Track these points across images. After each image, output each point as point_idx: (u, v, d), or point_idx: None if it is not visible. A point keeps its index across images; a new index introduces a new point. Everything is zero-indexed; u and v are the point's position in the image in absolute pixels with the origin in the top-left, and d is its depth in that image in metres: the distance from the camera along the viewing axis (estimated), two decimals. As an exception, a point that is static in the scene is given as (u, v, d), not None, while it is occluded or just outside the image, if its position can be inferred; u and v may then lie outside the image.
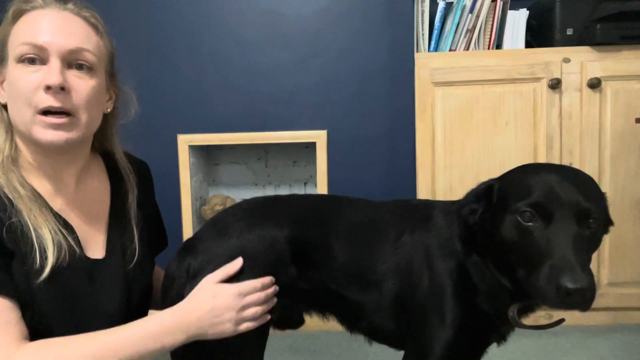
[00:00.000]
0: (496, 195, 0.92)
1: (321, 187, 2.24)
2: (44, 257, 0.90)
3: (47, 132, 0.91)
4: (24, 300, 0.89)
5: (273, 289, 1.03)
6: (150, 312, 1.17)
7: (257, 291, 1.00)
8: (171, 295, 1.05)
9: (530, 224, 0.83)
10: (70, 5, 0.96)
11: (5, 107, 0.96)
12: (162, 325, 0.93)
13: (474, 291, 0.95)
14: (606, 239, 2.08)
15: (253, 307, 0.99)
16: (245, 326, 0.99)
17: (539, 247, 0.81)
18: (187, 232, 2.25)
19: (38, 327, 0.91)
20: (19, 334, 0.87)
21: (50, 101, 0.90)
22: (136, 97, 1.12)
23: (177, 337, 0.94)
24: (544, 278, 0.78)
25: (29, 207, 0.91)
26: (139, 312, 1.10)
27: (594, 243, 0.86)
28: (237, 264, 1.00)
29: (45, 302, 0.91)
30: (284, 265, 1.06)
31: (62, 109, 0.91)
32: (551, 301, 0.78)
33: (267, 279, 1.02)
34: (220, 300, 0.96)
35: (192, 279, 1.02)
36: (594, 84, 2.05)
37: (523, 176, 0.89)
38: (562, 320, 0.97)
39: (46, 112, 0.91)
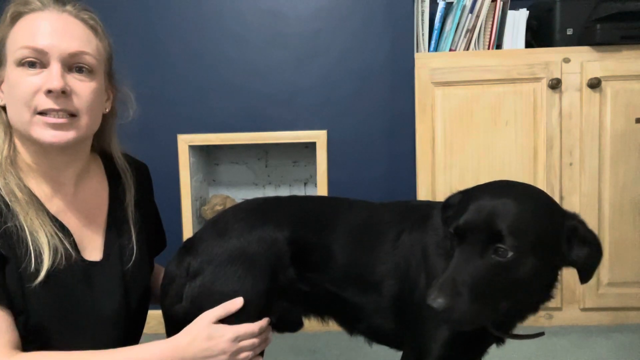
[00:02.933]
0: (456, 208, 0.93)
1: (321, 187, 2.24)
2: (39, 261, 0.90)
3: (47, 132, 0.91)
4: (17, 306, 0.89)
5: (269, 331, 1.03)
6: (150, 312, 1.17)
7: (253, 336, 0.99)
8: (170, 294, 1.05)
9: (453, 242, 0.87)
10: (69, 7, 0.95)
11: (3, 108, 0.96)
12: (155, 357, 0.93)
13: None
14: (606, 239, 2.09)
15: (246, 352, 0.99)
16: None
17: (448, 264, 0.86)
18: (187, 232, 2.25)
19: (34, 331, 0.91)
20: (9, 342, 0.87)
21: (50, 104, 0.90)
22: (134, 97, 1.12)
23: None
24: (428, 290, 0.83)
25: (25, 210, 0.91)
26: (138, 313, 1.10)
27: (515, 276, 0.82)
28: (237, 303, 0.99)
29: (40, 306, 0.91)
30: (284, 267, 1.06)
31: (63, 110, 0.91)
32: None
33: (265, 322, 1.02)
34: (215, 342, 0.95)
35: (192, 279, 1.02)
36: (594, 84, 2.05)
37: (471, 196, 0.90)
38: (541, 333, 0.97)
39: (45, 112, 0.91)
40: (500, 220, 0.82)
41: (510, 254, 0.81)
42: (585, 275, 0.89)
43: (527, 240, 0.82)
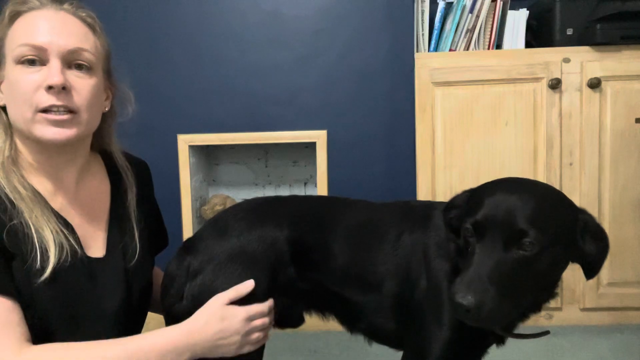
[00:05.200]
0: (465, 206, 0.93)
1: (321, 187, 2.24)
2: (45, 258, 0.90)
3: (48, 130, 0.91)
4: (25, 301, 0.89)
5: (272, 313, 1.04)
6: (150, 312, 1.17)
7: (264, 315, 1.01)
8: (170, 294, 1.05)
9: (470, 239, 0.86)
10: (66, 6, 0.96)
11: (3, 108, 0.96)
12: (170, 342, 0.93)
13: None
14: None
15: (257, 331, 1.00)
16: (247, 348, 1.00)
17: (466, 261, 0.85)
18: (187, 232, 2.25)
19: (39, 327, 0.91)
20: (21, 336, 0.87)
21: (52, 100, 0.90)
22: (134, 95, 1.12)
23: (182, 355, 0.94)
24: (452, 288, 0.82)
25: (30, 207, 0.91)
26: (139, 311, 1.11)
27: (534, 269, 0.83)
28: (248, 285, 1.00)
29: (46, 302, 0.91)
30: (284, 266, 1.06)
31: (64, 106, 0.92)
32: (453, 310, 0.83)
33: (271, 302, 1.03)
34: (228, 323, 0.96)
35: (192, 278, 1.03)
36: (594, 84, 2.05)
37: (483, 192, 0.89)
38: (546, 332, 0.97)
39: (47, 110, 0.91)
40: (522, 214, 0.82)
41: (534, 247, 0.81)
42: (592, 271, 0.90)
43: (548, 232, 0.82)
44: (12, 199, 0.91)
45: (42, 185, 0.98)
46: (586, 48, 2.08)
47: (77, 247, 0.96)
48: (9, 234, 0.89)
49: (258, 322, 1.00)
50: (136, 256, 1.06)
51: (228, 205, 2.27)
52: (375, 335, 1.12)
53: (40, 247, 0.90)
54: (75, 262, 0.95)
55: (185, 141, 2.23)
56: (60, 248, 0.92)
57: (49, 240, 0.91)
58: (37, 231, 0.91)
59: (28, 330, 0.89)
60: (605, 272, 2.13)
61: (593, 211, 2.10)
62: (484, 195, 0.88)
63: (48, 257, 0.90)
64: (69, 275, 0.94)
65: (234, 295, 0.99)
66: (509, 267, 0.81)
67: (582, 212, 0.89)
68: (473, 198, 0.91)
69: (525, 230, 0.81)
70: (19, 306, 0.89)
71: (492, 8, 2.20)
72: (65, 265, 0.93)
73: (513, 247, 0.82)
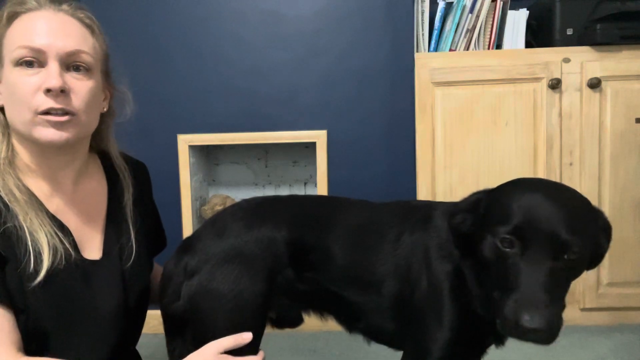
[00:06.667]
0: (482, 210, 0.90)
1: (321, 187, 2.24)
2: (39, 261, 0.90)
3: (48, 131, 0.91)
4: (17, 305, 0.89)
5: None
6: (151, 312, 1.17)
7: None
8: (168, 293, 1.05)
9: (507, 250, 0.82)
10: (64, 7, 0.96)
11: (1, 109, 0.96)
12: None
13: (470, 295, 0.95)
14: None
15: None
16: None
17: (510, 276, 0.81)
18: (187, 232, 2.25)
19: (34, 331, 0.91)
20: (12, 343, 0.87)
21: (50, 103, 0.90)
22: (132, 96, 1.12)
23: None
24: (508, 310, 0.78)
25: (25, 210, 0.91)
26: (137, 313, 1.10)
27: (572, 274, 0.83)
28: (246, 337, 0.99)
29: (40, 305, 0.91)
30: (282, 267, 1.06)
31: (63, 109, 0.91)
32: (511, 333, 0.79)
33: (262, 354, 1.02)
34: None
35: (189, 277, 1.03)
36: (594, 84, 2.05)
37: (509, 195, 0.86)
38: None
39: (45, 112, 0.91)
40: (564, 223, 0.79)
41: (578, 255, 0.80)
42: (595, 264, 0.90)
43: (585, 238, 0.81)
44: (7, 201, 0.91)
45: (39, 187, 0.97)
46: (586, 48, 2.08)
47: (71, 250, 0.95)
48: (2, 237, 0.89)
49: None
50: (132, 257, 1.06)
51: (228, 205, 2.27)
52: (374, 335, 1.12)
53: (34, 251, 0.90)
54: (70, 265, 0.94)
55: (185, 141, 2.23)
56: (54, 251, 0.92)
57: (42, 244, 0.90)
58: (31, 234, 0.90)
59: (20, 339, 0.89)
60: (605, 272, 2.13)
61: (593, 211, 2.12)
62: (510, 201, 0.84)
63: (42, 261, 0.90)
64: (63, 278, 0.93)
65: (231, 345, 0.97)
66: (558, 279, 0.79)
67: (600, 211, 0.89)
68: (494, 204, 0.88)
69: (570, 241, 0.79)
70: (12, 313, 0.88)
71: (492, 8, 2.20)
72: (60, 269, 0.92)
73: (560, 258, 0.79)
